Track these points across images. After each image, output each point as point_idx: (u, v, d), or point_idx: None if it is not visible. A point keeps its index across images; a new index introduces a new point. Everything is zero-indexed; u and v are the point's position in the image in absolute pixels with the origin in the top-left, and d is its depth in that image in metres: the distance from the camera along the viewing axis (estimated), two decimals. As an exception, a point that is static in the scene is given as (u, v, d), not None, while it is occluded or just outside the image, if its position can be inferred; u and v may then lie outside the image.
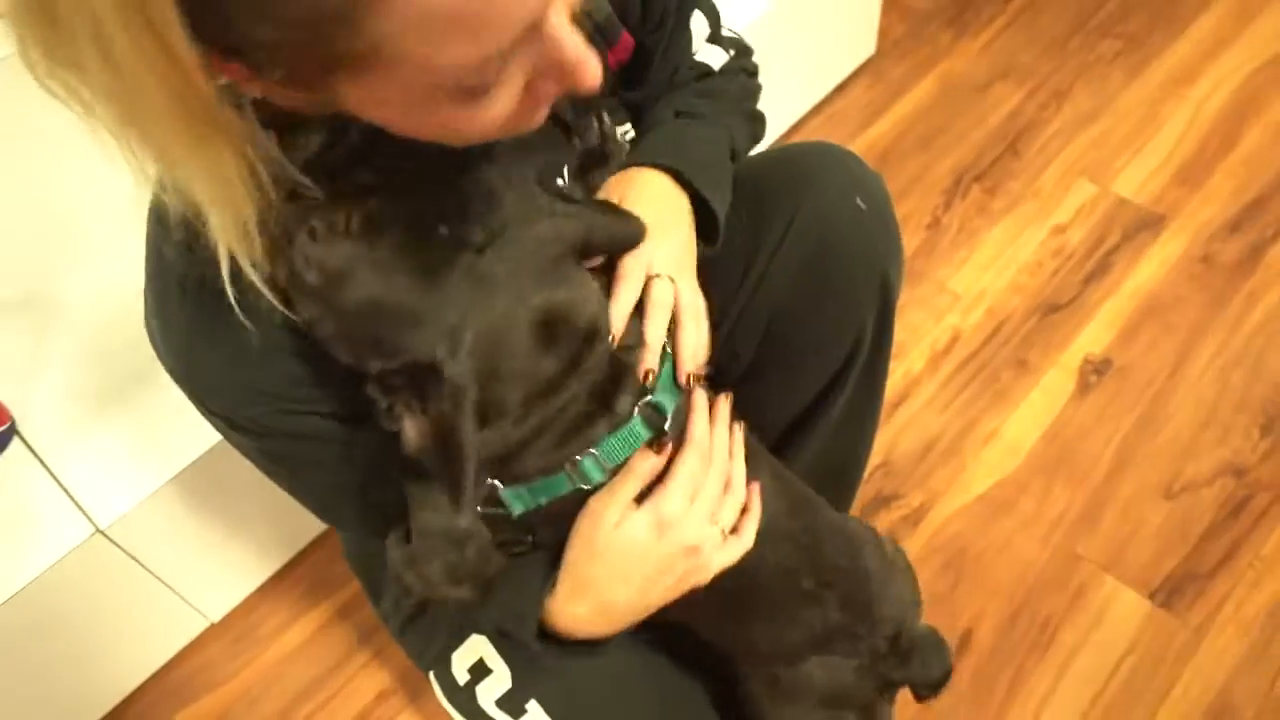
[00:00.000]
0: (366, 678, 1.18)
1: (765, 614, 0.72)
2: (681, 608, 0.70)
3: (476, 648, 0.87)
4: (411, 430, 0.53)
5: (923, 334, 1.41)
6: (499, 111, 0.45)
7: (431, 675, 0.94)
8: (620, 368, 0.60)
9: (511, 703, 0.88)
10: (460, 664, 0.90)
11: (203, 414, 0.62)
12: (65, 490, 1.00)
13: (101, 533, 0.99)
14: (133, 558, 1.04)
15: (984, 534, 1.22)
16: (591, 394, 0.59)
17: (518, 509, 0.63)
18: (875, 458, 1.29)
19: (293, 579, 1.25)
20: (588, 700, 0.88)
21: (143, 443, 1.02)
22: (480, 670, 0.90)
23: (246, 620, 1.22)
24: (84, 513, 0.98)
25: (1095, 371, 1.35)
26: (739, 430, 0.68)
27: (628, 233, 0.62)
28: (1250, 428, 1.26)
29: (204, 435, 1.01)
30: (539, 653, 0.69)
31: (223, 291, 0.49)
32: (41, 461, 1.01)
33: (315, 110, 0.49)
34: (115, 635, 1.12)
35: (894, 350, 1.35)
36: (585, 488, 0.62)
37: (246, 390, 0.58)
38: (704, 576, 0.65)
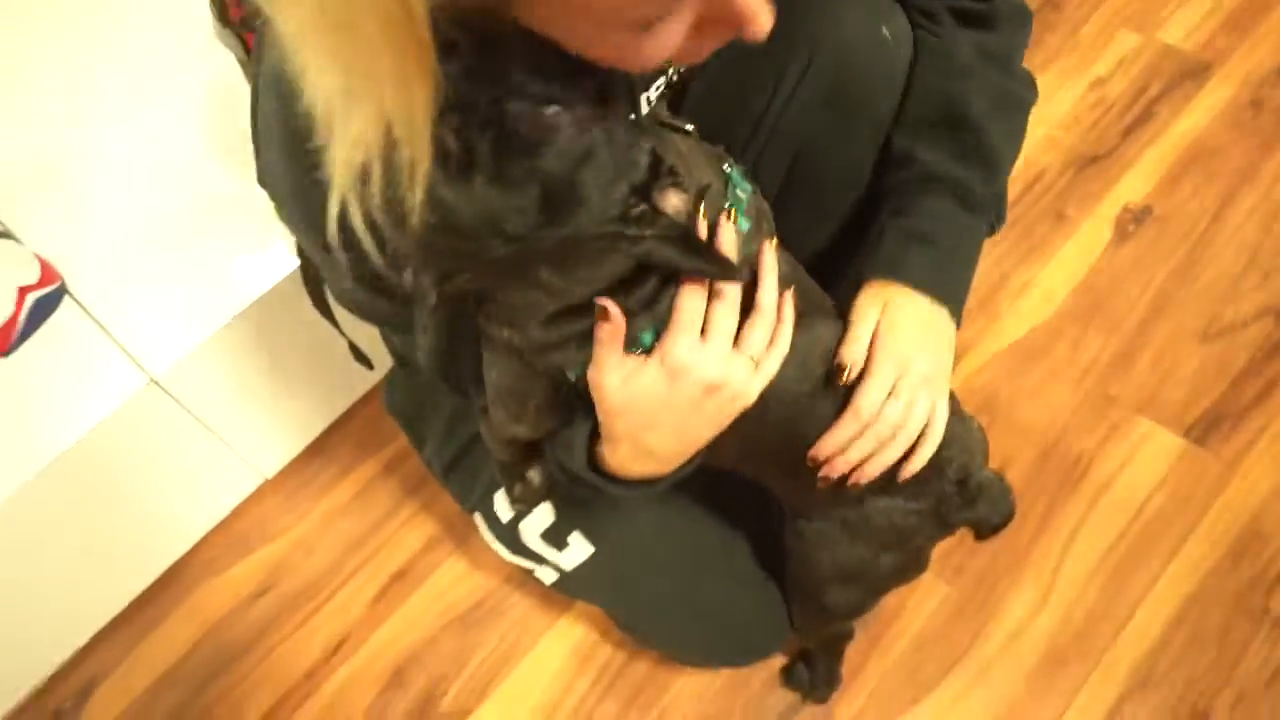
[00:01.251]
0: (414, 528, 1.24)
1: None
2: (745, 454, 0.70)
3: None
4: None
5: (957, 189, 1.40)
6: (667, 44, 0.46)
7: (476, 515, 0.99)
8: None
9: (555, 535, 0.93)
10: (503, 503, 0.95)
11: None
12: (117, 343, 1.04)
13: (155, 382, 1.03)
14: (186, 410, 1.09)
15: (1017, 380, 1.23)
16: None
17: (573, 374, 0.63)
18: (908, 310, 1.30)
19: (341, 436, 1.31)
20: (628, 531, 0.92)
21: (191, 294, 1.06)
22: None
23: (300, 475, 1.29)
24: (136, 363, 1.03)
25: (1134, 220, 1.34)
26: (769, 248, 0.63)
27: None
28: (1292, 269, 1.25)
29: (250, 286, 1.06)
30: (588, 480, 0.68)
31: None
32: (93, 317, 1.06)
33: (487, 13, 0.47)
34: (177, 490, 1.19)
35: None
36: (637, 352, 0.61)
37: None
38: (744, 403, 0.62)
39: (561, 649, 1.13)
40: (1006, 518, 0.78)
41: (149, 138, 1.16)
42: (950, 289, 0.71)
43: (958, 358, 1.24)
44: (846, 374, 0.66)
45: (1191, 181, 1.35)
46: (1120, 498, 1.13)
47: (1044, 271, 1.32)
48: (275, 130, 0.57)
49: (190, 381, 1.06)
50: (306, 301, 0.94)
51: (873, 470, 0.68)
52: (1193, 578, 1.07)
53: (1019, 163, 1.37)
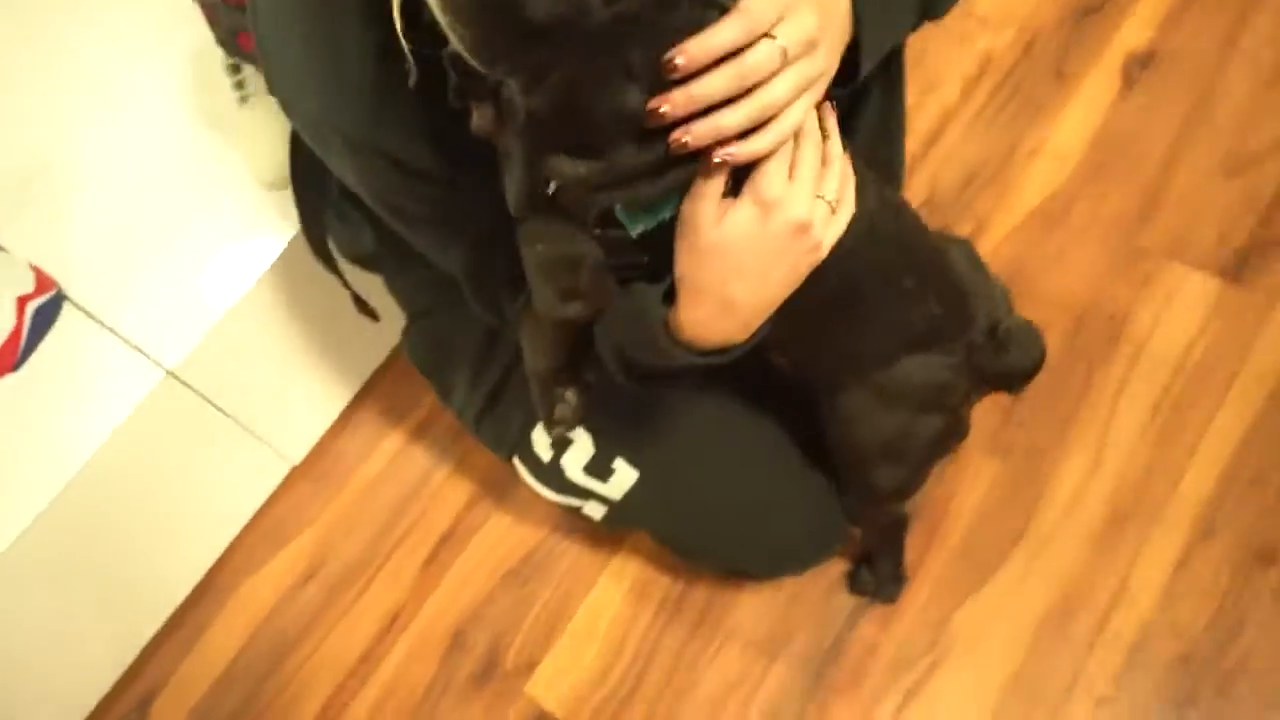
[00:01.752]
0: (452, 489, 1.23)
1: (872, 314, 0.71)
2: (787, 321, 0.67)
3: (553, 421, 0.89)
4: (480, 118, 0.56)
5: (952, 64, 1.36)
6: None
7: (515, 460, 0.98)
8: None
9: (598, 465, 0.92)
10: (541, 442, 0.94)
11: (318, 135, 0.68)
12: (126, 340, 1.03)
13: (171, 374, 1.02)
14: (206, 399, 1.08)
15: (1040, 249, 1.20)
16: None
17: (636, 229, 0.61)
18: (918, 195, 1.27)
19: (364, 409, 1.30)
20: (670, 446, 0.91)
21: (193, 281, 1.05)
22: (562, 443, 0.93)
23: (327, 456, 1.28)
24: (149, 358, 1.02)
25: (1139, 65, 1.29)
26: (829, 108, 0.62)
27: None
28: (1312, 89, 1.21)
29: (252, 265, 1.05)
30: (663, 349, 0.66)
31: None
32: (96, 319, 1.04)
33: None
34: (207, 487, 1.18)
35: (925, 84, 1.33)
36: None
37: (371, 106, 0.63)
38: (819, 255, 0.62)
39: (619, 588, 1.13)
40: (1038, 362, 0.78)
41: (127, 133, 1.13)
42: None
43: (975, 238, 1.22)
44: None
45: (1195, 16, 1.30)
46: (1161, 349, 1.11)
47: (1054, 134, 1.28)
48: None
49: (206, 368, 1.05)
50: (310, 272, 0.92)
51: (702, 132, 0.53)
52: (1245, 418, 1.05)
53: (1012, 28, 1.36)
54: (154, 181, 1.09)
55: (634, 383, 0.71)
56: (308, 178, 0.87)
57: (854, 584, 1.05)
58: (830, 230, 0.61)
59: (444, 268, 0.78)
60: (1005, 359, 0.75)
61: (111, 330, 1.03)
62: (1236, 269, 1.13)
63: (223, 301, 1.03)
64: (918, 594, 1.04)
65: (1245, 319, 1.10)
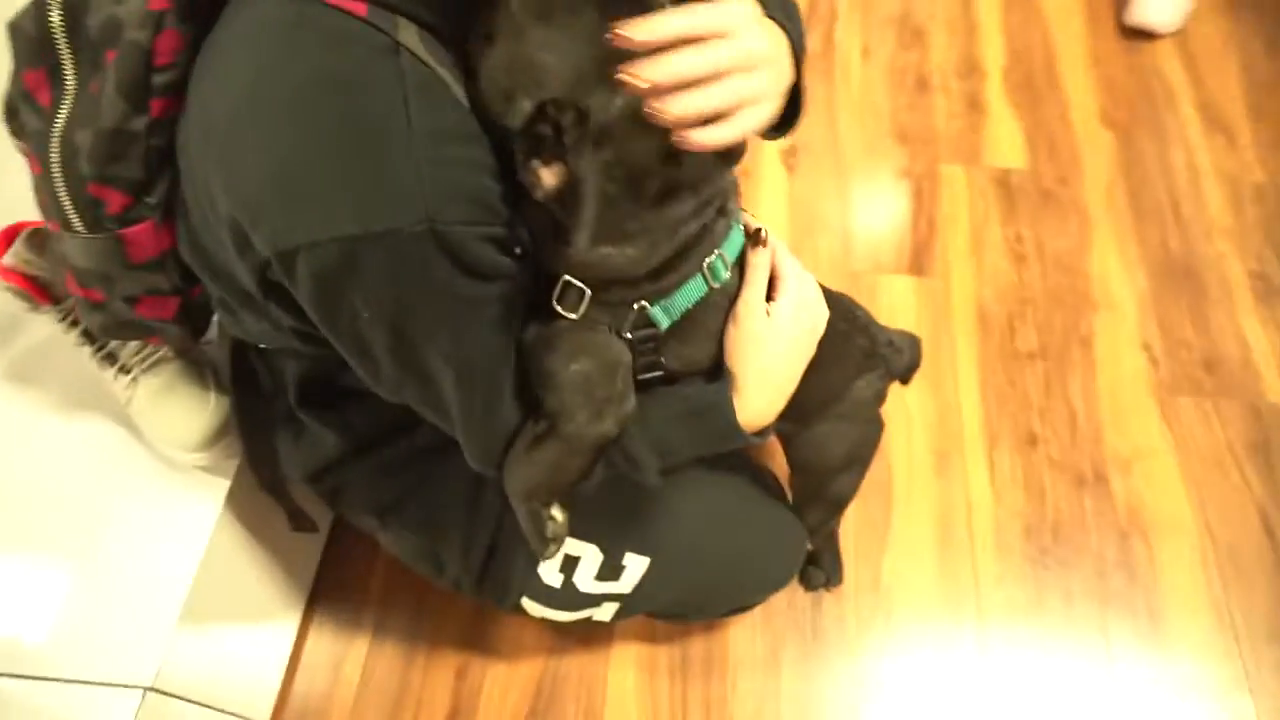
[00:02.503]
0: (436, 670, 1.24)
1: (831, 359, 0.87)
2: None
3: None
4: (549, 176, 0.59)
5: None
6: None
7: (524, 600, 1.00)
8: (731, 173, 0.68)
9: (609, 568, 0.98)
10: (549, 572, 0.98)
11: (348, 263, 0.56)
12: (90, 683, 0.93)
13: (153, 690, 0.95)
14: (197, 703, 1.01)
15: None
16: (709, 201, 0.67)
17: (665, 323, 0.71)
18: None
19: (312, 639, 1.25)
20: (671, 521, 1.00)
21: (136, 597, 0.97)
22: (570, 563, 0.98)
23: (294, 703, 1.22)
24: (122, 685, 0.93)
25: (790, 155, 1.73)
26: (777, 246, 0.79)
27: None
28: None
29: (185, 560, 0.98)
30: (732, 437, 0.75)
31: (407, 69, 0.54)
32: (43, 679, 0.93)
33: None
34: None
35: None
36: (716, 286, 0.72)
37: (452, 182, 0.57)
38: (820, 332, 0.81)
39: (629, 673, 1.23)
40: (920, 356, 1.04)
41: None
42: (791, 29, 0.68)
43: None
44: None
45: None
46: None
47: (759, 212, 1.66)
48: (284, 120, 0.54)
49: (184, 673, 0.98)
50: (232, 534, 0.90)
51: (677, 107, 0.55)
52: (974, 355, 1.48)
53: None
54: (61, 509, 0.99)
55: (660, 477, 0.77)
56: (252, 403, 0.88)
57: (809, 584, 1.28)
58: (823, 314, 0.82)
59: (442, 421, 0.73)
60: (904, 360, 1.00)
61: (68, 681, 0.92)
62: (919, 265, 1.59)
63: (172, 607, 0.96)
64: (848, 568, 1.31)
65: (938, 294, 1.55)
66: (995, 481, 1.37)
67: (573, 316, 0.69)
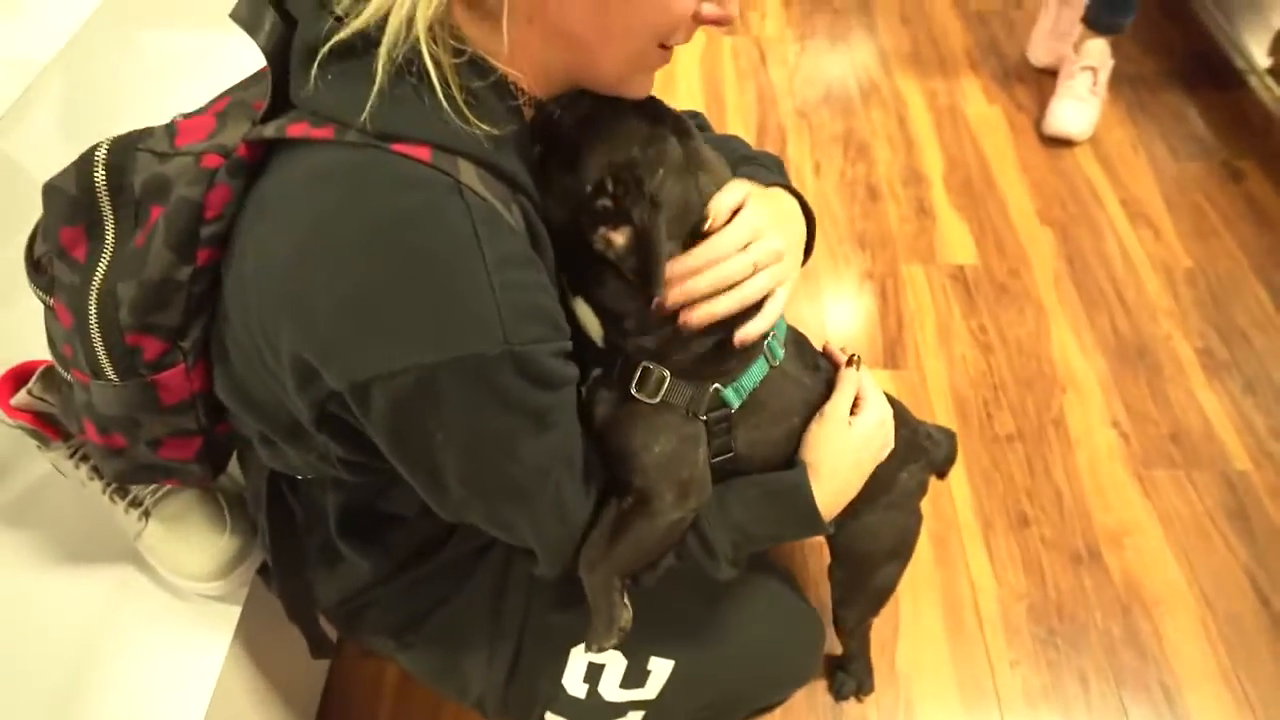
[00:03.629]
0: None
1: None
2: None
3: (582, 657, 0.92)
4: (620, 238, 0.65)
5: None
6: (687, 5, 0.58)
7: (549, 716, 0.94)
8: None
9: (634, 674, 0.94)
10: (573, 681, 0.93)
11: (426, 392, 0.56)
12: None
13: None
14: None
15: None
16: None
17: (736, 402, 0.74)
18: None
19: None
20: (695, 621, 0.97)
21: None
22: (594, 671, 0.94)
23: None
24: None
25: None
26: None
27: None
28: None
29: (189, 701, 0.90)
30: (813, 524, 0.79)
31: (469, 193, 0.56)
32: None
33: None
34: None
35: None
36: (775, 365, 0.76)
37: (523, 304, 0.57)
38: (885, 455, 0.86)
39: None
40: (955, 453, 1.05)
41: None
42: (800, 197, 0.82)
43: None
44: (710, 221, 0.69)
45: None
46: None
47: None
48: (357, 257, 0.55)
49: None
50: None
51: (701, 316, 0.68)
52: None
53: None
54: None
55: (732, 568, 0.79)
56: (287, 538, 0.85)
57: (841, 692, 1.21)
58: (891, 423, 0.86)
59: (510, 536, 0.72)
60: (941, 452, 1.00)
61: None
62: (893, 358, 1.62)
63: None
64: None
65: (915, 385, 1.58)
66: (995, 564, 1.36)
67: (651, 402, 0.71)
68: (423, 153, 0.57)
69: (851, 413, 0.82)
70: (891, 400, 0.95)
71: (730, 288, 0.69)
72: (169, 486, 0.95)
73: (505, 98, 0.61)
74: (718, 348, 0.72)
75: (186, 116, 0.67)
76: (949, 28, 2.27)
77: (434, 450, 0.60)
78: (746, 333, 0.71)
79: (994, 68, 2.16)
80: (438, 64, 0.56)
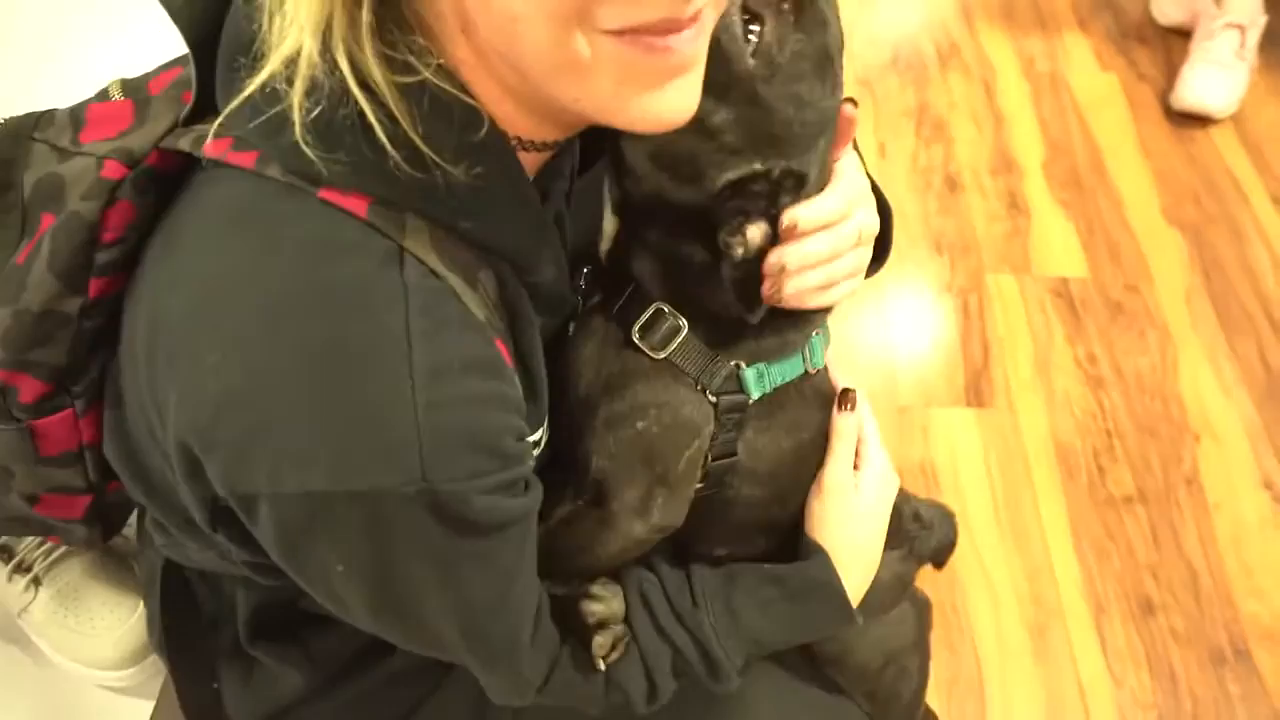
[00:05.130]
0: None
1: None
2: None
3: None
4: (758, 234, 0.63)
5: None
6: None
7: None
8: None
9: None
10: None
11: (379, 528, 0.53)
12: None
13: None
14: None
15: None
16: None
17: (755, 392, 0.70)
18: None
19: None
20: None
21: None
22: None
23: None
24: None
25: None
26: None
27: None
28: None
29: None
30: (841, 613, 0.77)
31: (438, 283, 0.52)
32: None
33: None
34: None
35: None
36: (811, 371, 0.73)
37: (456, 429, 0.52)
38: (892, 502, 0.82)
39: None
40: (955, 537, 1.00)
41: None
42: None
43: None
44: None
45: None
46: (970, 477, 1.44)
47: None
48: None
49: None
50: None
51: (793, 290, 0.67)
52: (1059, 501, 1.41)
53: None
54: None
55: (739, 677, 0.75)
56: (188, 632, 0.81)
57: None
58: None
59: (446, 658, 0.69)
60: (933, 539, 0.94)
61: None
62: (978, 394, 1.53)
63: None
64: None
65: (1005, 428, 1.49)
66: (1111, 662, 1.27)
67: (654, 356, 0.67)
68: (357, 205, 0.52)
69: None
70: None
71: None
72: (63, 548, 0.92)
73: (471, 131, 0.54)
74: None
75: (101, 99, 0.63)
76: (1052, -26, 2.18)
77: (333, 581, 0.57)
78: (810, 298, 0.68)
79: (1108, 25, 2.08)
80: (370, 90, 0.51)
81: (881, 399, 1.52)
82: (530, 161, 0.61)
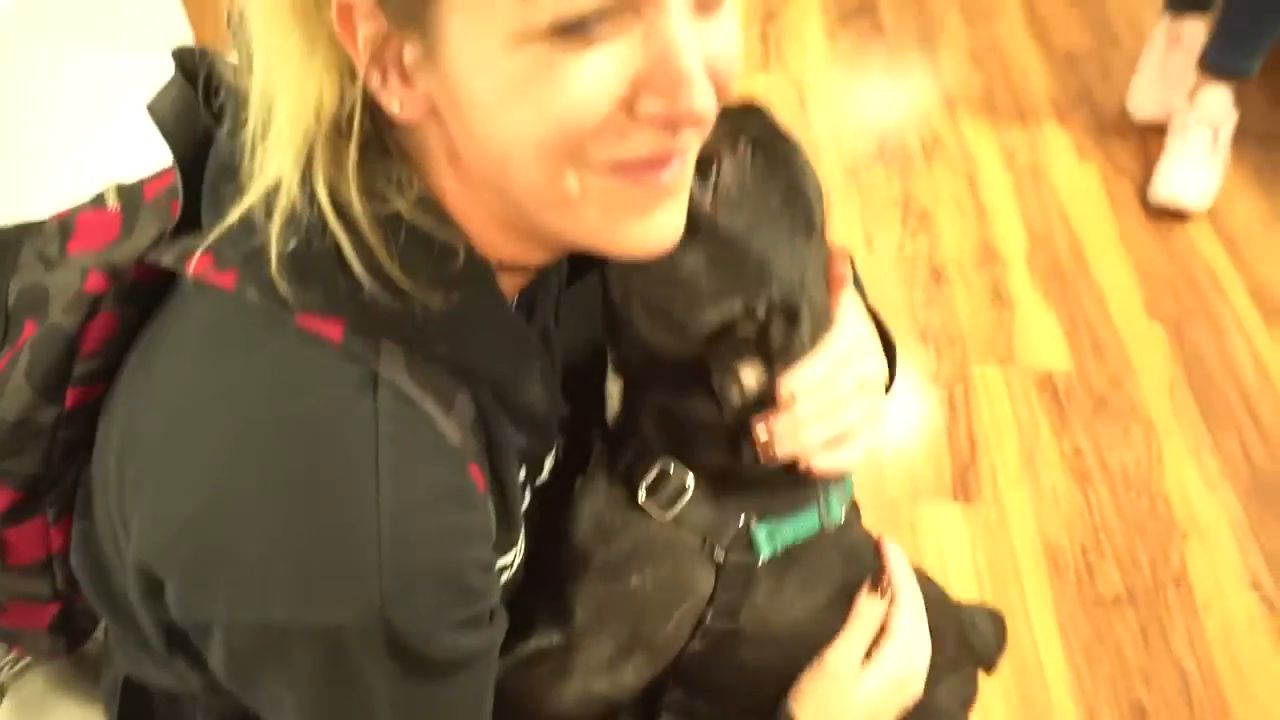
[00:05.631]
0: None
1: None
2: None
3: None
4: (752, 380, 0.61)
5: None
6: (598, 86, 0.47)
7: None
8: None
9: None
10: None
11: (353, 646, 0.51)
12: None
13: None
14: None
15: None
16: None
17: (765, 551, 0.68)
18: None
19: None
20: None
21: None
22: None
23: None
24: None
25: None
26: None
27: None
28: None
29: None
30: None
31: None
32: None
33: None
34: None
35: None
36: (829, 528, 0.70)
37: (421, 565, 0.51)
38: (914, 698, 0.77)
39: None
40: (1004, 639, 0.96)
41: None
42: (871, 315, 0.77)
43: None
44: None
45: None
46: (960, 571, 1.43)
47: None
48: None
49: None
50: None
51: (789, 447, 0.64)
52: (1047, 598, 1.40)
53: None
54: None
55: None
56: None
57: None
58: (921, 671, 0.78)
59: None
60: (989, 644, 0.91)
61: None
62: (964, 488, 1.53)
63: None
64: None
65: (993, 524, 1.48)
66: (1103, 770, 1.25)
67: (664, 518, 0.66)
68: (333, 330, 0.52)
69: (868, 653, 0.75)
70: (927, 584, 0.87)
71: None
72: (28, 658, 0.87)
73: (449, 261, 0.54)
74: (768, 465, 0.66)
75: (95, 205, 0.64)
76: (1030, 69, 2.24)
77: (284, 712, 0.56)
78: (820, 458, 0.65)
79: (1086, 120, 2.12)
80: (348, 221, 0.51)
81: (868, 491, 1.51)
82: (515, 281, 0.62)
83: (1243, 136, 1.96)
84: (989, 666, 0.94)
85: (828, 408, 0.65)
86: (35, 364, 0.58)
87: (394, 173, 0.52)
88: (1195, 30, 1.97)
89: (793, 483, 0.67)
